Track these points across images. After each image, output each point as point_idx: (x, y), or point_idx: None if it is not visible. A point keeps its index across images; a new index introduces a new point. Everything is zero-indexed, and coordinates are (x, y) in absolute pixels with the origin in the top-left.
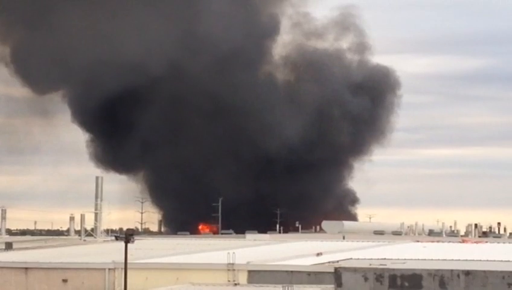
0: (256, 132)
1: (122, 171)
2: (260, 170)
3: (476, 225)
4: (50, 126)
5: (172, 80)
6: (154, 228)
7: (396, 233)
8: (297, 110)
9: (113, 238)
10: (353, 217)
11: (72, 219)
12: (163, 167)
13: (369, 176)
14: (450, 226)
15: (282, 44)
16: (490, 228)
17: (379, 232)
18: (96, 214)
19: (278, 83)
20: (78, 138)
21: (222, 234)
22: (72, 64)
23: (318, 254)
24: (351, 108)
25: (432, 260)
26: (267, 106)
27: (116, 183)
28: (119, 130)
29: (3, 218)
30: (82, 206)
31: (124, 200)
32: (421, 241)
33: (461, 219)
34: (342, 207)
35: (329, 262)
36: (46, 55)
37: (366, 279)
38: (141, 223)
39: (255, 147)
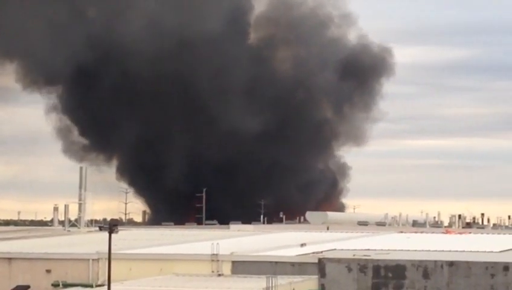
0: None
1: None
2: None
3: (459, 216)
4: (30, 115)
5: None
6: (138, 218)
7: (380, 224)
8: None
9: (97, 228)
10: (341, 207)
11: (56, 209)
12: (131, 148)
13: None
14: (434, 217)
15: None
16: (474, 218)
17: (363, 223)
18: (80, 204)
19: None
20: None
21: (206, 224)
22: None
23: (302, 245)
24: (330, 89)
25: (415, 250)
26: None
27: (100, 174)
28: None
29: None
30: (66, 196)
31: (108, 191)
32: (405, 232)
33: (445, 209)
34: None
35: (313, 253)
36: None
37: (349, 270)
38: (125, 214)
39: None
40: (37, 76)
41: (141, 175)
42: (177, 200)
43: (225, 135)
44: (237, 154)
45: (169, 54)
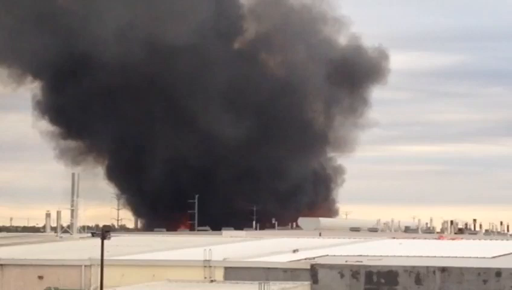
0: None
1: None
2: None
3: (451, 222)
4: (22, 122)
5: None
6: (131, 224)
7: (373, 230)
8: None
9: (90, 235)
10: (334, 213)
11: (48, 215)
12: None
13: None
14: (426, 223)
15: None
16: (466, 224)
17: (355, 229)
18: (72, 210)
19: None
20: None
21: (198, 230)
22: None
23: (294, 251)
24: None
25: (407, 256)
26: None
27: (93, 177)
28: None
29: None
30: (58, 202)
31: (100, 197)
32: (397, 238)
33: (437, 215)
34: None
35: (305, 259)
36: None
37: (342, 276)
38: (117, 220)
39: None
40: (12, 76)
41: (125, 181)
42: (161, 206)
43: (210, 139)
44: (223, 159)
45: (152, 58)
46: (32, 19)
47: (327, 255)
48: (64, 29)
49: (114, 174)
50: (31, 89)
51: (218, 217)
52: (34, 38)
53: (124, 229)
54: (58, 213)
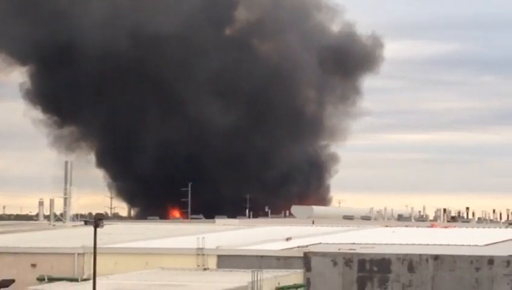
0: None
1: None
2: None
3: (444, 210)
4: (13, 109)
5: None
6: (124, 212)
7: (366, 218)
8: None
9: (83, 223)
10: (327, 201)
11: (41, 203)
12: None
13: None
14: (419, 211)
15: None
16: (459, 212)
17: (348, 217)
18: (65, 199)
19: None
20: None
21: (192, 218)
22: None
23: (287, 239)
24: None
25: (400, 244)
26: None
27: (86, 165)
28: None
29: None
30: (51, 191)
31: (93, 185)
32: (390, 226)
33: (430, 203)
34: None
35: (298, 247)
36: None
37: (335, 263)
38: (110, 208)
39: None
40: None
41: (116, 168)
42: (154, 194)
43: (200, 127)
44: (214, 147)
45: (140, 45)
46: (17, 5)
47: (320, 243)
48: (50, 17)
49: (105, 162)
50: (21, 75)
51: (212, 205)
52: (19, 25)
53: (117, 217)
54: (51, 201)
